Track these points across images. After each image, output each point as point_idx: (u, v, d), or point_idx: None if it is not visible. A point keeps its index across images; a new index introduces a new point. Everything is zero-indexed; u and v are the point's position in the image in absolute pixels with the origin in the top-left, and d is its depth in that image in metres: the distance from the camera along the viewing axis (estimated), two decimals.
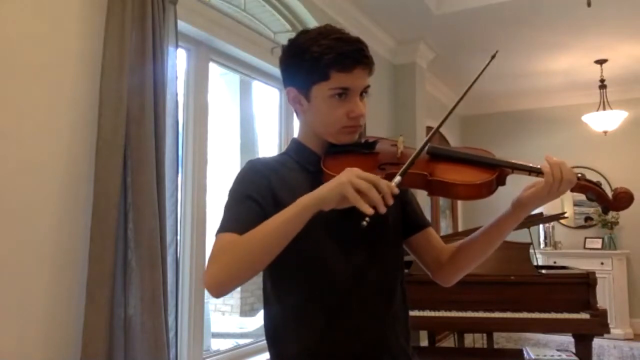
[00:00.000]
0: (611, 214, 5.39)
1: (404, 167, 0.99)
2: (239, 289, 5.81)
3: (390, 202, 0.90)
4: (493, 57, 1.13)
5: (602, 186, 1.08)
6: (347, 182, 0.90)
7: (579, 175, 1.04)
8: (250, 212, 1.02)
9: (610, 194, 1.07)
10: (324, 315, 1.06)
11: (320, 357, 1.06)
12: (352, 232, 1.09)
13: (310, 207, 0.92)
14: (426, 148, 1.06)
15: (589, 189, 1.06)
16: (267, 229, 0.94)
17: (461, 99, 1.13)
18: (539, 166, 1.03)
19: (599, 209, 1.11)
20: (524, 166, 1.05)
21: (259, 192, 1.06)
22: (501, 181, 1.05)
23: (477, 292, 2.81)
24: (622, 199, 1.05)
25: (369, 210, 0.88)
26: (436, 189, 1.04)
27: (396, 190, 0.91)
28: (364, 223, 0.89)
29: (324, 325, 1.06)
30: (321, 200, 0.92)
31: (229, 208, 1.06)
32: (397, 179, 0.95)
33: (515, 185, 1.12)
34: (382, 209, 0.89)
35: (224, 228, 1.01)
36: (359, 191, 0.89)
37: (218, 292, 0.96)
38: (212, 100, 2.63)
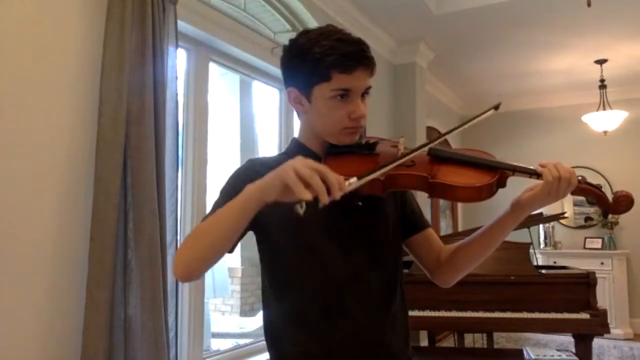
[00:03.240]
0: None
1: (369, 172, 0.93)
2: (239, 288, 5.82)
3: (337, 195, 0.83)
4: (497, 108, 1.13)
5: (603, 188, 1.08)
6: (289, 168, 0.84)
7: (579, 177, 1.04)
8: None
9: (610, 196, 1.06)
10: (322, 316, 1.06)
11: (319, 358, 1.06)
12: (351, 233, 1.09)
13: (254, 195, 0.89)
14: (424, 152, 1.04)
15: (590, 192, 1.06)
16: (217, 217, 0.95)
17: (452, 130, 1.14)
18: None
19: (599, 209, 1.10)
20: (524, 168, 1.05)
21: None
22: (502, 183, 1.05)
23: (477, 292, 2.81)
24: (622, 203, 1.05)
25: (307, 195, 0.80)
26: (437, 191, 1.03)
27: (345, 189, 0.84)
28: (299, 207, 0.80)
29: (323, 327, 1.06)
30: (263, 188, 0.88)
31: (216, 201, 1.07)
32: (353, 179, 0.88)
33: (515, 187, 1.12)
34: (324, 199, 0.81)
35: (203, 219, 1.02)
36: (300, 177, 0.82)
37: (182, 278, 1.01)
38: (212, 100, 2.63)
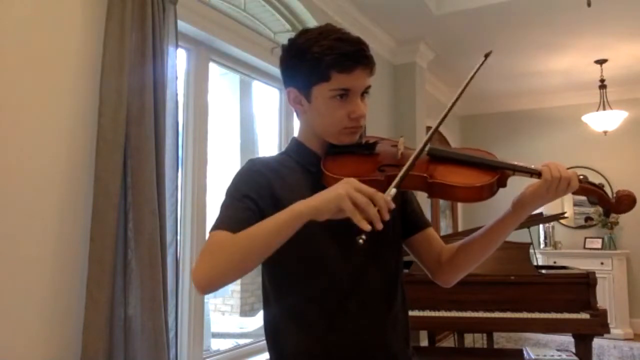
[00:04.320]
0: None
1: (398, 177, 0.96)
2: (239, 288, 5.82)
3: (387, 217, 0.88)
4: (487, 56, 1.13)
5: (604, 185, 1.08)
6: (345, 195, 0.87)
7: (581, 177, 1.04)
8: (246, 211, 1.02)
9: (612, 196, 1.06)
10: (323, 316, 1.06)
11: (319, 358, 1.06)
12: (352, 233, 1.09)
13: (304, 216, 0.90)
14: (425, 151, 1.05)
15: (591, 191, 1.05)
16: (257, 231, 0.92)
17: (455, 102, 1.12)
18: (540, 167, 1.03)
19: (600, 209, 1.10)
20: (524, 168, 1.04)
21: (257, 191, 1.05)
22: (502, 183, 1.05)
23: (477, 292, 2.81)
24: (625, 202, 1.05)
25: (367, 227, 0.86)
26: (436, 191, 1.03)
27: (392, 205, 0.89)
28: (361, 241, 0.86)
29: (324, 327, 1.06)
30: (316, 210, 0.90)
31: (225, 206, 1.05)
32: (392, 191, 0.93)
33: (516, 187, 1.12)
34: (379, 226, 0.87)
35: (217, 226, 1.00)
36: (356, 205, 0.87)
37: (205, 290, 0.96)
38: (212, 100, 2.63)
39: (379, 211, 0.87)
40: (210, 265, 0.94)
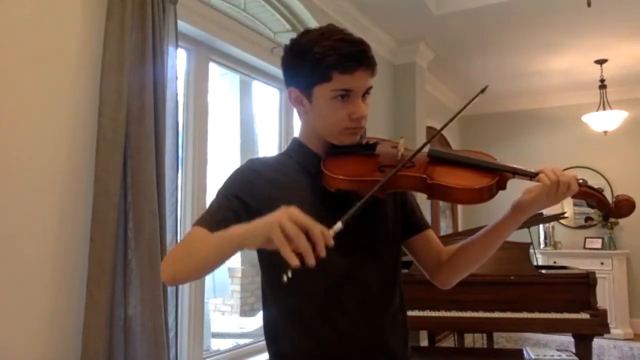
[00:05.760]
0: None
1: (355, 207, 0.88)
2: (239, 288, 5.82)
3: (323, 253, 0.78)
4: (482, 91, 1.13)
5: (603, 189, 1.08)
6: (275, 224, 0.79)
7: (580, 180, 1.03)
8: (230, 211, 1.03)
9: (611, 200, 1.06)
10: (321, 316, 1.06)
11: (318, 358, 1.06)
12: (351, 234, 1.09)
13: (234, 241, 0.88)
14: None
15: (590, 195, 1.05)
16: (208, 244, 0.94)
17: (447, 124, 1.12)
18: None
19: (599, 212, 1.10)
20: (524, 171, 1.04)
21: (249, 190, 1.06)
22: (502, 185, 1.05)
23: (477, 292, 2.80)
24: (624, 207, 1.05)
25: (294, 261, 0.76)
26: (436, 192, 1.03)
27: (331, 242, 0.80)
28: (285, 278, 0.77)
29: (322, 326, 1.06)
30: (246, 237, 0.85)
31: (213, 202, 1.07)
32: (338, 225, 0.83)
33: (516, 189, 1.12)
34: (310, 261, 0.77)
35: (199, 221, 1.03)
36: (287, 236, 0.78)
37: (169, 282, 1.02)
38: (212, 100, 2.63)
39: (314, 246, 0.78)
40: (174, 261, 1.00)
